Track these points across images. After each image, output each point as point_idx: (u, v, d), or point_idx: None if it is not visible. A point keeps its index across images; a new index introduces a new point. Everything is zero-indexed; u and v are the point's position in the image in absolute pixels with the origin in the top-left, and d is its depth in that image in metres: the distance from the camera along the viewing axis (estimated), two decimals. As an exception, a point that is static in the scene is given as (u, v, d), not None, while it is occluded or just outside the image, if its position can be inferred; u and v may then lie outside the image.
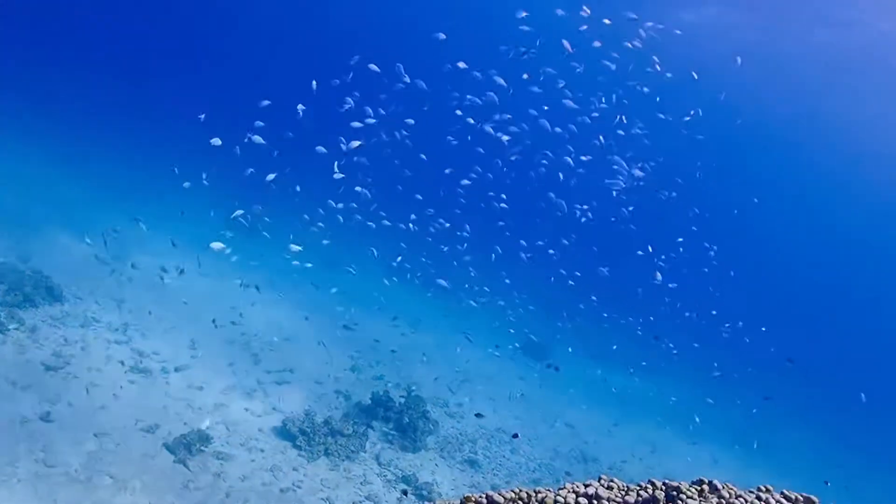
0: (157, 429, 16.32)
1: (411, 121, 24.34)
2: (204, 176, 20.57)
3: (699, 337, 34.20)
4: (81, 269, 23.47)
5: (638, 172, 24.92)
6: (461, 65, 20.65)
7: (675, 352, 32.33)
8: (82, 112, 46.06)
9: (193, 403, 18.20)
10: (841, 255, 72.71)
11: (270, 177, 20.23)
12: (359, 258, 31.44)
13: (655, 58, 27.07)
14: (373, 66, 20.40)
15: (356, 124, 20.77)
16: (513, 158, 26.00)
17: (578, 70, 25.94)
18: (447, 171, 25.79)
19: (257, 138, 18.59)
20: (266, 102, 20.80)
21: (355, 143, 18.44)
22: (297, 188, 24.16)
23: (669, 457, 27.76)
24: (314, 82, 20.23)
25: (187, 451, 15.76)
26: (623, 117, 24.15)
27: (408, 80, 20.88)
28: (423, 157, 26.35)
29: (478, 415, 21.84)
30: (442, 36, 22.53)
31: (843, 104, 55.14)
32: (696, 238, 36.23)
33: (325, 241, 25.52)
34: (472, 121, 23.69)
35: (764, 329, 34.35)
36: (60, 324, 19.51)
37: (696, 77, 29.40)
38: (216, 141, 18.16)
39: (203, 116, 19.45)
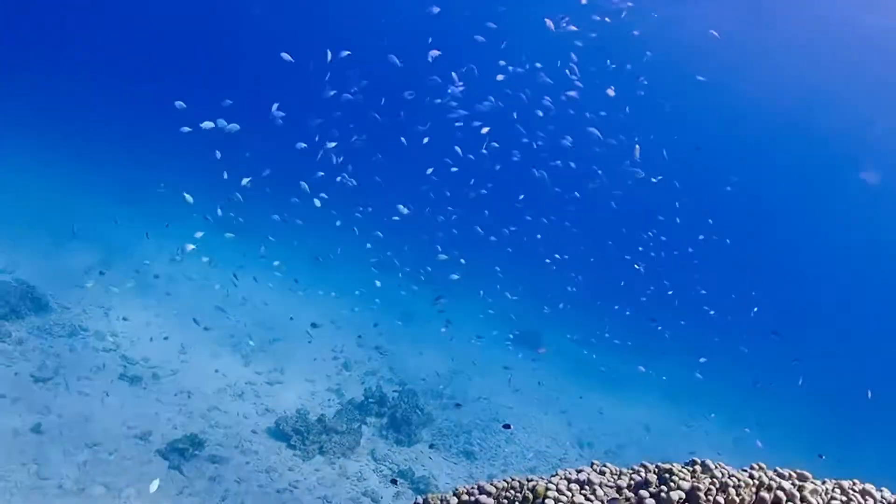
0: (149, 436, 16.24)
1: (402, 113, 24.29)
2: (188, 196, 20.29)
3: (687, 316, 34.27)
4: (67, 278, 23.29)
5: (637, 148, 24.91)
6: (434, 52, 20.52)
7: (666, 335, 32.41)
8: (67, 118, 45.63)
9: (185, 408, 18.13)
10: (832, 236, 73.20)
11: (245, 181, 20.04)
12: (346, 253, 31.44)
13: (636, 32, 27.09)
14: (345, 53, 20.19)
15: (317, 121, 20.66)
16: (495, 144, 25.91)
17: (574, 63, 25.90)
18: (429, 170, 25.60)
19: (222, 122, 18.14)
20: (228, 102, 20.60)
21: (331, 144, 18.32)
22: (295, 199, 23.95)
23: (665, 439, 27.86)
24: (286, 55, 19.92)
25: (181, 457, 15.70)
26: (612, 90, 24.06)
27: (397, 61, 20.74)
28: (403, 140, 26.12)
29: (457, 405, 21.89)
30: (436, 10, 22.42)
31: (834, 92, 55.76)
32: (684, 216, 36.31)
33: (308, 239, 25.36)
34: (454, 103, 23.54)
35: (756, 309, 34.47)
36: (48, 334, 19.38)
37: (700, 78, 29.48)
38: (207, 125, 17.79)
39: (182, 105, 18.87)
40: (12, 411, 15.44)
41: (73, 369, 18.00)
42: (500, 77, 22.44)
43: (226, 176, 22.29)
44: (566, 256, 30.82)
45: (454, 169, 26.10)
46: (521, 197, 30.65)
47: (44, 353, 18.27)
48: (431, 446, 20.09)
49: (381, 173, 29.83)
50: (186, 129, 18.07)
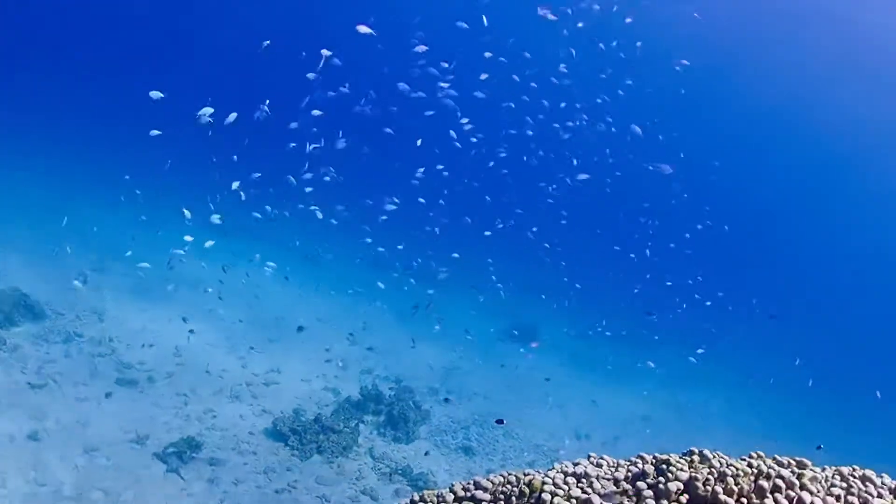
0: (146, 439, 16.20)
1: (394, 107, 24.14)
2: (187, 213, 20.11)
3: (684, 305, 34.21)
4: (61, 284, 23.20)
5: (637, 129, 24.87)
6: (422, 47, 20.37)
7: (668, 319, 32.36)
8: (56, 121, 45.18)
9: (181, 411, 18.09)
10: (829, 229, 73.41)
11: (235, 185, 19.92)
12: (339, 251, 31.39)
13: (629, 19, 27.05)
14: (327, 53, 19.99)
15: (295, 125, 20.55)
16: (480, 135, 25.72)
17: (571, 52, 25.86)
18: (420, 170, 25.38)
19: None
20: (209, 100, 20.43)
21: (312, 146, 18.21)
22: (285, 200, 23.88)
23: (663, 430, 27.86)
24: (266, 42, 19.67)
25: (179, 460, 15.66)
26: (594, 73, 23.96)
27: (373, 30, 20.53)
28: (390, 130, 25.82)
29: (446, 399, 21.88)
30: None
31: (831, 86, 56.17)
32: (682, 199, 36.31)
33: (296, 242, 25.25)
34: (443, 84, 23.34)
35: (755, 300, 34.51)
36: (43, 341, 19.34)
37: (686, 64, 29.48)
38: (206, 111, 17.51)
39: (159, 94, 18.31)
40: (9, 418, 15.40)
41: (69, 375, 17.97)
42: (483, 76, 22.36)
43: (218, 177, 22.21)
44: (559, 249, 30.82)
45: (440, 167, 25.96)
46: (515, 193, 30.65)
47: (39, 360, 18.25)
48: (426, 454, 19.94)
49: (370, 168, 29.70)
50: (156, 132, 17.97)
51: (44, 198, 31.41)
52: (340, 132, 22.40)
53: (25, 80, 50.53)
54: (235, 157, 22.09)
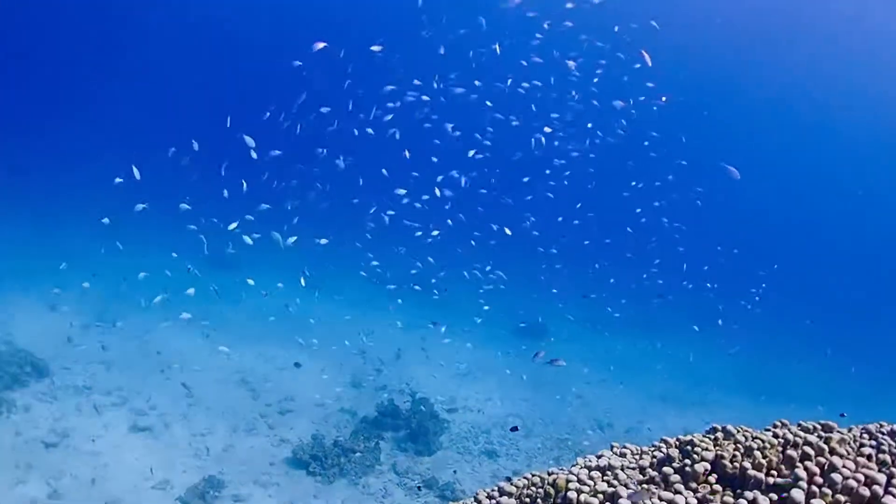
0: (167, 484, 16.07)
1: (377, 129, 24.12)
2: (190, 268, 20.02)
3: (692, 283, 34.11)
4: (64, 339, 23.08)
5: (620, 104, 24.89)
6: (376, 47, 20.28)
7: (669, 297, 32.23)
8: (49, 173, 44.99)
9: (199, 451, 17.96)
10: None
11: (232, 225, 19.87)
12: (341, 271, 31.27)
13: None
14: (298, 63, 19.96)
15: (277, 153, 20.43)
16: (457, 132, 25.58)
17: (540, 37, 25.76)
18: (402, 191, 25.12)
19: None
20: (189, 147, 20.48)
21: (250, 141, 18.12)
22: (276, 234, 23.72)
23: (684, 410, 27.78)
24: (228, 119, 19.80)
25: (202, 501, 15.53)
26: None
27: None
28: (370, 131, 25.53)
29: (450, 409, 21.76)
30: None
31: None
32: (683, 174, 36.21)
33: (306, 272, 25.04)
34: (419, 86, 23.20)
35: (764, 285, 34.40)
36: (52, 398, 19.19)
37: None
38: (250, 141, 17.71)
39: (133, 171, 18.41)
40: (27, 480, 15.25)
41: (82, 429, 17.83)
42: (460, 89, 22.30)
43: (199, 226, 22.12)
44: (556, 240, 30.70)
45: (415, 172, 25.80)
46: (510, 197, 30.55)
47: (51, 418, 18.10)
48: (455, 472, 19.70)
49: (363, 181, 29.56)
50: (119, 179, 17.98)
51: (37, 245, 31.30)
52: (341, 156, 22.34)
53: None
54: (245, 183, 21.49)
